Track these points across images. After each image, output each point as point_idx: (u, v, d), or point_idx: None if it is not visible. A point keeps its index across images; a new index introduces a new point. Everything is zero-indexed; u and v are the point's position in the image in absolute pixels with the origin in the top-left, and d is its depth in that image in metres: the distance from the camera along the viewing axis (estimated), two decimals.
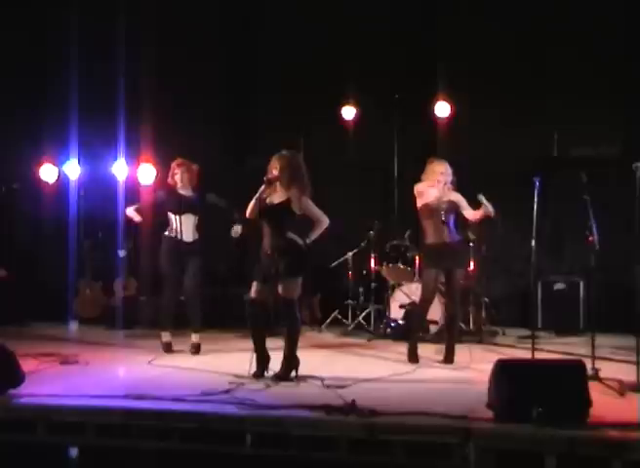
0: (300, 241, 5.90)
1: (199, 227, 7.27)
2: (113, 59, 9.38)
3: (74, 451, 4.89)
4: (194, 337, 7.26)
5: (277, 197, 5.99)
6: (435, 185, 6.63)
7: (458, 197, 6.72)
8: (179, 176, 7.21)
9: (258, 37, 10.02)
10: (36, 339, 8.00)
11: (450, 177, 6.69)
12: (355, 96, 9.35)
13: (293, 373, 5.94)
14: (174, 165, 7.28)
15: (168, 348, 7.23)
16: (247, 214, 6.05)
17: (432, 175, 6.67)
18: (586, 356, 5.87)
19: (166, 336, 7.26)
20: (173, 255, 7.17)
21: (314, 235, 5.96)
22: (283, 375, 5.87)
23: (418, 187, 6.71)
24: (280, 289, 5.91)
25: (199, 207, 7.21)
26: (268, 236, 5.96)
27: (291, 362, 5.94)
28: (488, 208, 6.56)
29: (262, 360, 6.01)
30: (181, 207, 7.18)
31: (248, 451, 4.67)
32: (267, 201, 5.99)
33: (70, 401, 5.14)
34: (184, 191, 7.25)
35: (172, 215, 7.21)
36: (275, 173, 5.94)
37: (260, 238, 6.06)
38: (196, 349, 7.24)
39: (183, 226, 7.19)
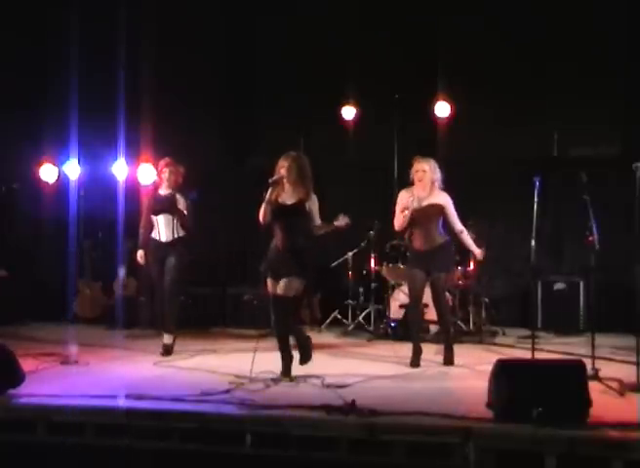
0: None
1: (180, 226, 7.14)
2: (113, 60, 9.38)
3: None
4: (166, 338, 7.11)
5: (287, 197, 6.08)
6: (415, 186, 6.64)
7: (443, 201, 6.65)
8: (165, 175, 7.20)
9: (257, 37, 10.01)
10: (36, 339, 7.99)
11: (437, 177, 6.64)
12: (355, 96, 9.35)
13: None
14: (162, 163, 7.29)
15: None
16: (260, 218, 6.08)
17: (414, 174, 6.66)
18: (586, 356, 5.87)
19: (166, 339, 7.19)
20: (151, 256, 7.18)
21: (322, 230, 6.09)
22: (307, 358, 6.02)
23: (400, 201, 6.70)
24: (281, 285, 5.93)
25: (173, 206, 7.10)
26: (280, 235, 6.04)
27: (307, 344, 6.07)
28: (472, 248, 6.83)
29: (289, 356, 6.06)
30: (157, 207, 7.17)
31: (248, 451, 4.67)
32: (280, 201, 6.07)
33: (70, 401, 5.14)
34: (164, 191, 7.23)
35: (152, 216, 7.21)
36: (283, 172, 6.03)
37: (268, 237, 6.14)
38: (166, 350, 7.05)
39: (160, 226, 7.16)
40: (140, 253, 7.32)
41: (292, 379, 5.87)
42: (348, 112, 9.37)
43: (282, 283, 5.91)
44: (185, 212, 7.15)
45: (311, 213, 6.05)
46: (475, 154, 8.96)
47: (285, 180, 6.05)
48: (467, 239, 6.82)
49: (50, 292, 9.53)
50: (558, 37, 9.00)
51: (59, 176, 9.78)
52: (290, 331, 6.07)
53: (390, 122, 9.13)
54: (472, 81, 9.02)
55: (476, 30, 9.20)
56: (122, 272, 9.11)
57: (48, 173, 9.71)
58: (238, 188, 9.77)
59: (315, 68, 9.45)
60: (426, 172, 6.59)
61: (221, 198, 9.61)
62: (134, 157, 9.52)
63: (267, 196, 6.02)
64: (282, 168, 6.06)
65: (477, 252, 6.85)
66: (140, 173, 9.36)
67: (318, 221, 6.09)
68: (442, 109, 9.07)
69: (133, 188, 9.49)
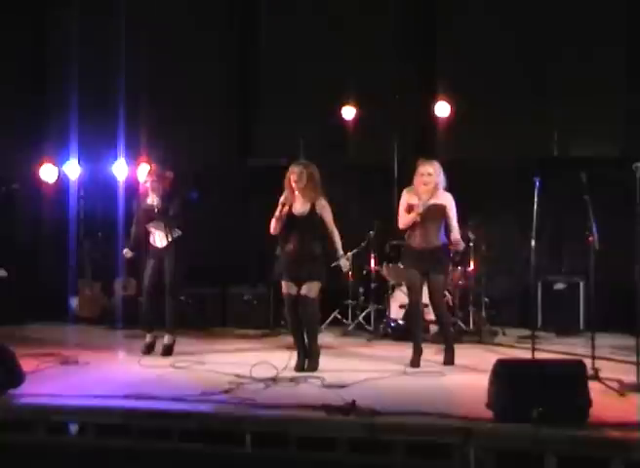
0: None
1: (174, 229, 7.17)
2: (113, 59, 9.37)
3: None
4: (166, 338, 7.15)
5: (299, 205, 6.31)
6: (417, 188, 6.60)
7: (446, 201, 6.61)
8: (149, 184, 7.25)
9: (257, 37, 10.02)
10: (36, 339, 7.99)
11: (441, 179, 6.59)
12: (355, 96, 9.35)
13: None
14: (147, 173, 7.38)
15: (147, 350, 7.17)
16: (271, 231, 6.35)
17: (418, 177, 6.60)
18: (586, 356, 5.86)
19: (148, 338, 7.24)
20: (150, 259, 7.24)
21: (338, 245, 6.39)
22: (315, 366, 6.27)
23: (404, 202, 6.69)
24: (304, 289, 6.26)
25: (165, 216, 7.13)
26: (294, 242, 6.28)
27: (315, 353, 6.37)
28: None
29: (304, 352, 6.38)
30: (147, 217, 7.23)
31: (248, 451, 4.67)
32: (293, 211, 6.29)
33: (70, 401, 5.14)
34: (152, 200, 7.24)
35: (145, 225, 7.27)
36: (293, 178, 6.25)
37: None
38: (166, 351, 7.10)
39: (155, 234, 7.24)
40: (125, 250, 7.43)
41: (291, 379, 5.88)
42: (348, 112, 9.36)
43: (305, 287, 6.24)
44: (177, 211, 7.17)
45: (323, 219, 6.30)
46: (475, 154, 8.95)
47: (295, 188, 6.26)
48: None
49: (50, 292, 9.53)
50: (558, 37, 9.00)
51: (59, 176, 9.78)
52: (305, 334, 6.41)
53: (390, 122, 9.13)
54: (472, 81, 9.01)
55: (476, 30, 9.19)
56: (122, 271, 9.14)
57: (48, 173, 9.71)
58: (238, 188, 9.78)
59: (315, 68, 9.45)
60: (432, 175, 6.53)
61: (221, 198, 9.61)
62: (134, 157, 9.52)
63: (277, 213, 6.27)
64: (292, 175, 6.29)
65: (455, 238, 6.64)
66: (139, 173, 9.36)
67: (333, 229, 6.35)
68: (442, 109, 9.07)
69: (133, 188, 9.48)
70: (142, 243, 7.39)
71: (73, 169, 9.70)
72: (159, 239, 7.21)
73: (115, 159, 9.57)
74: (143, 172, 8.65)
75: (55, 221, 9.93)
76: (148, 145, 9.43)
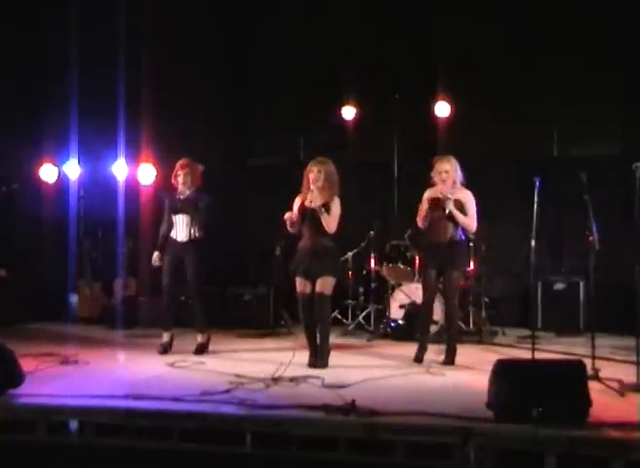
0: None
1: (198, 227, 7.17)
2: (113, 59, 9.37)
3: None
4: (199, 337, 7.22)
5: (315, 200, 6.36)
6: (439, 184, 6.63)
7: (465, 198, 6.64)
8: (181, 178, 7.18)
9: (257, 37, 10.02)
10: (36, 339, 7.99)
11: (458, 175, 6.64)
12: (355, 96, 9.35)
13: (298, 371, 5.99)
14: (177, 166, 7.25)
15: (163, 349, 7.17)
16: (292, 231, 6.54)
17: (436, 176, 6.65)
18: (586, 356, 5.86)
19: (165, 337, 7.24)
20: (169, 255, 7.19)
21: (323, 215, 6.31)
22: (324, 363, 6.37)
23: (425, 199, 6.70)
24: (318, 285, 6.33)
25: (193, 207, 7.13)
26: (308, 236, 6.41)
27: (326, 351, 6.46)
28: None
29: (315, 350, 6.46)
30: (177, 207, 7.18)
31: (248, 451, 4.67)
32: (306, 204, 6.38)
33: (70, 401, 5.15)
34: (184, 193, 7.21)
35: (172, 215, 7.22)
36: (312, 176, 6.37)
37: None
38: (199, 349, 7.15)
39: (179, 226, 7.18)
40: (155, 255, 7.29)
41: (291, 379, 5.88)
42: (348, 112, 9.37)
43: (319, 282, 6.32)
44: (206, 206, 7.19)
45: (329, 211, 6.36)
46: (475, 154, 8.95)
47: (312, 185, 6.37)
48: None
49: (50, 292, 9.53)
50: (558, 37, 9.00)
51: (59, 176, 9.79)
52: (318, 332, 6.45)
53: (390, 122, 9.13)
54: (472, 81, 9.02)
55: (476, 30, 9.20)
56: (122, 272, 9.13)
57: (48, 173, 9.72)
58: (238, 188, 9.78)
59: (315, 68, 9.45)
60: (449, 172, 6.60)
61: (221, 198, 9.59)
62: (134, 157, 9.52)
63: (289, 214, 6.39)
64: (311, 173, 6.40)
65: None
66: (140, 173, 9.37)
67: (331, 221, 6.36)
68: (442, 109, 9.07)
69: (133, 188, 9.49)
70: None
71: (73, 169, 9.70)
72: (180, 232, 7.15)
73: (115, 159, 9.57)
74: (154, 165, 8.63)
75: (55, 221, 9.92)
76: (148, 145, 9.44)
